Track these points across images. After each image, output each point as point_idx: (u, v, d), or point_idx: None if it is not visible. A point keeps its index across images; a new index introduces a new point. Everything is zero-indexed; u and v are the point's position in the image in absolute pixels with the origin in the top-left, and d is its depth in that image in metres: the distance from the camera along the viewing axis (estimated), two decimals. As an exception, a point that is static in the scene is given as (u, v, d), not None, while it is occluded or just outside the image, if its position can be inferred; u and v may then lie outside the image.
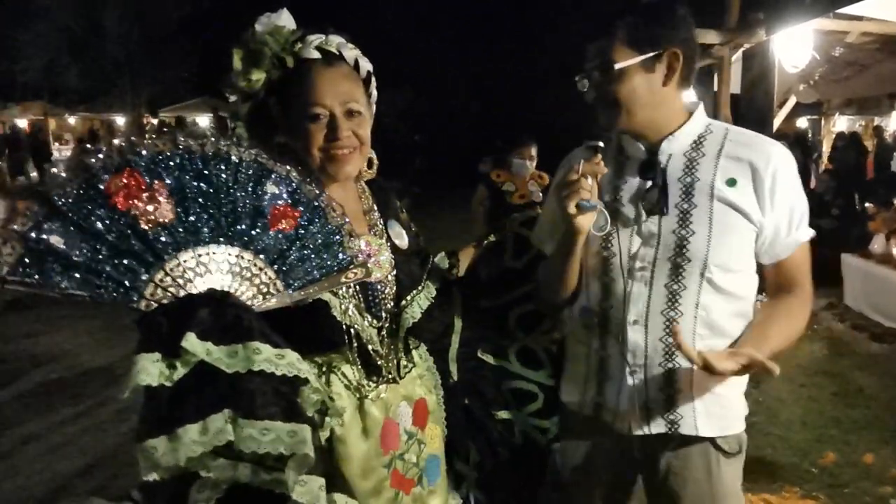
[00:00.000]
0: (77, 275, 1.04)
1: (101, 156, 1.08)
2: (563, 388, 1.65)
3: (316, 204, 1.25)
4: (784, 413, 3.99)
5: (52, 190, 1.04)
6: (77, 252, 1.04)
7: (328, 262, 1.24)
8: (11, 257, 1.01)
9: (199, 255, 1.12)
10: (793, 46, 4.40)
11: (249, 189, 1.18)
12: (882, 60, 5.51)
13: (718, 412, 1.47)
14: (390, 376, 1.40)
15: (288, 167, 1.23)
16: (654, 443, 1.50)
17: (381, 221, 1.48)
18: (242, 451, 1.03)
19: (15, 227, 1.02)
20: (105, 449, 3.73)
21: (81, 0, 16.00)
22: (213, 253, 1.14)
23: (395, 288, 1.44)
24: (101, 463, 3.58)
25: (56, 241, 1.03)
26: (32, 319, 6.64)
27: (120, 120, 19.99)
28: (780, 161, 1.39)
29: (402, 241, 1.50)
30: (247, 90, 1.35)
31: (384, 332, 1.40)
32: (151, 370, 0.99)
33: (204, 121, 22.31)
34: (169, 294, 1.09)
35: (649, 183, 1.42)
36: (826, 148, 11.44)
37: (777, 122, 5.31)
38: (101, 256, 1.05)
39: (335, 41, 1.38)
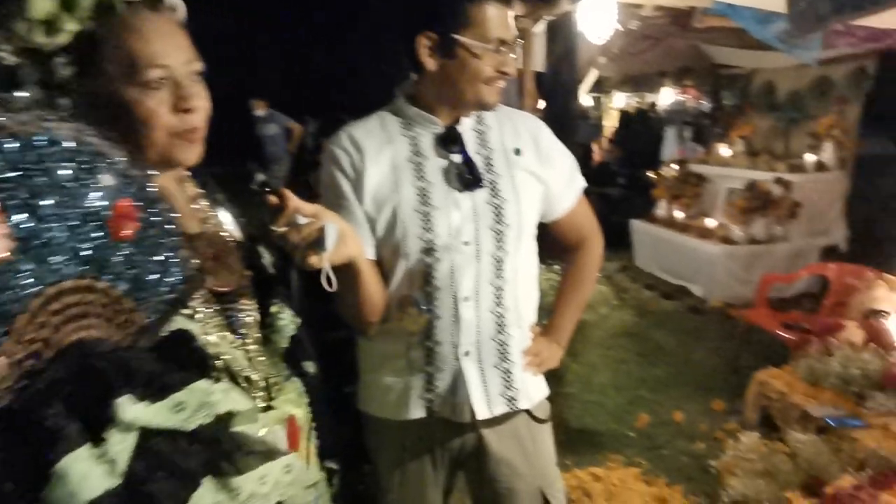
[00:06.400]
0: None
1: None
2: (368, 402, 1.53)
3: (150, 197, 0.91)
4: (597, 378, 4.13)
5: None
6: None
7: (175, 275, 0.93)
8: None
9: (49, 298, 0.78)
10: (596, 16, 4.47)
11: (90, 185, 0.82)
12: (673, 34, 5.84)
13: (537, 380, 1.54)
14: (265, 404, 1.09)
15: (109, 145, 0.89)
16: (486, 426, 1.49)
17: (213, 212, 1.14)
18: None
19: None
20: None
21: None
22: (66, 289, 0.79)
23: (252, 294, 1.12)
24: None
25: None
26: None
27: None
28: (543, 127, 1.55)
29: (237, 231, 1.18)
30: (46, 47, 0.92)
31: (251, 351, 1.08)
32: (92, 473, 0.69)
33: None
34: (26, 365, 0.75)
35: (457, 158, 1.42)
36: (607, 123, 12.31)
37: (581, 97, 5.47)
38: None
39: None
